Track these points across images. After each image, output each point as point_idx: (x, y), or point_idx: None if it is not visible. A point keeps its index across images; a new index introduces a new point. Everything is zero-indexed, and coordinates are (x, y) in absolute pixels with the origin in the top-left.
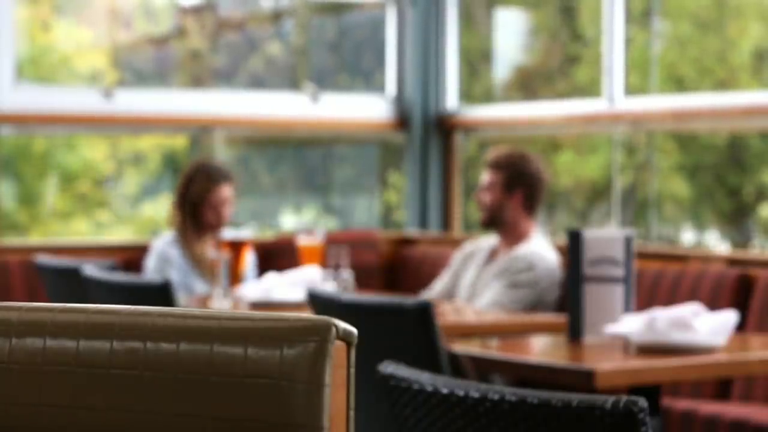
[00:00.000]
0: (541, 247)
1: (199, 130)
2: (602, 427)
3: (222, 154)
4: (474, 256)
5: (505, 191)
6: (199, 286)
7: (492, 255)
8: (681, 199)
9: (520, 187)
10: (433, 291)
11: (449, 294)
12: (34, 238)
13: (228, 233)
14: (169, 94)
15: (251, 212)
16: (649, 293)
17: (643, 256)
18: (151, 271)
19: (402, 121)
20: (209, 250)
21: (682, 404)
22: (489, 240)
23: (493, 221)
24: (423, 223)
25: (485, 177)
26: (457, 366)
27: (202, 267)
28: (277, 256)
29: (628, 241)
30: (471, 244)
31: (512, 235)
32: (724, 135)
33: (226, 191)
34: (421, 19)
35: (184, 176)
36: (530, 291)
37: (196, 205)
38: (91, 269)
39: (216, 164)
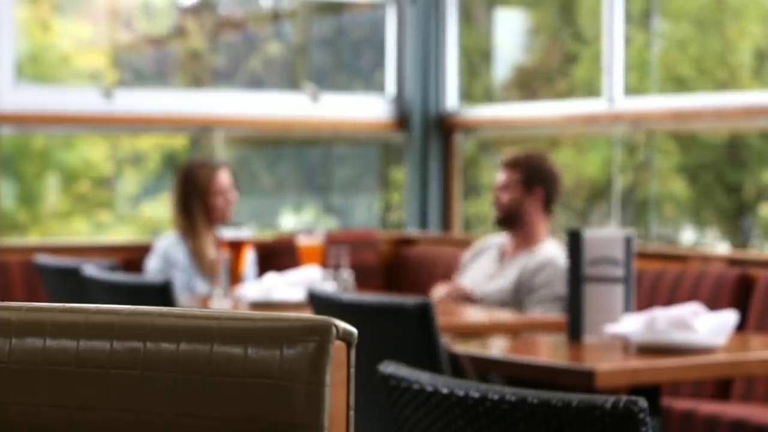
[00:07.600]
0: (555, 253)
1: (199, 130)
2: (602, 427)
3: (222, 154)
4: (483, 252)
5: (524, 189)
6: (203, 287)
7: (503, 254)
8: (681, 199)
9: (540, 185)
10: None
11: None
12: (34, 238)
13: (228, 233)
14: (168, 94)
15: (251, 212)
16: (649, 293)
17: (643, 256)
18: (154, 271)
19: (402, 120)
20: (212, 249)
21: (682, 404)
22: (496, 238)
23: (508, 220)
24: (423, 223)
25: (501, 176)
26: (457, 366)
27: (206, 266)
28: (277, 256)
29: (628, 241)
30: (479, 242)
31: (526, 236)
32: (724, 134)
33: (226, 176)
34: (420, 19)
35: (182, 175)
36: (553, 303)
37: (203, 195)
38: (91, 269)
39: (205, 158)
